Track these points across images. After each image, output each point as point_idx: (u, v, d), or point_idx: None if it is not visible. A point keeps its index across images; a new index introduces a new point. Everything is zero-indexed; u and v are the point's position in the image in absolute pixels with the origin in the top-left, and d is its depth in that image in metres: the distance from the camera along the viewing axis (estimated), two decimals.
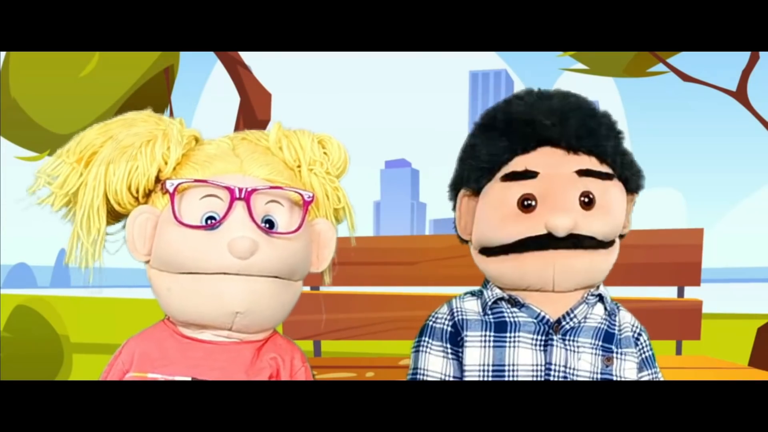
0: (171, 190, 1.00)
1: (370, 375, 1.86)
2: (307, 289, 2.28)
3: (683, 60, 3.69)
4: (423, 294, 2.24)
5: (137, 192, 1.03)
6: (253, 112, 3.35)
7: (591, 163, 1.07)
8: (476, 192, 1.12)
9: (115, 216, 1.07)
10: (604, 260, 1.08)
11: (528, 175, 1.06)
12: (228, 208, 0.99)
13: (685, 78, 3.60)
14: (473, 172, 1.12)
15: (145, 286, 1.09)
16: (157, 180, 1.04)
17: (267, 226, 1.01)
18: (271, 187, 1.03)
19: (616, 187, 1.09)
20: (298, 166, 1.09)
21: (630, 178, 1.12)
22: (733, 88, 3.49)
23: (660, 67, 3.58)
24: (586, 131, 1.07)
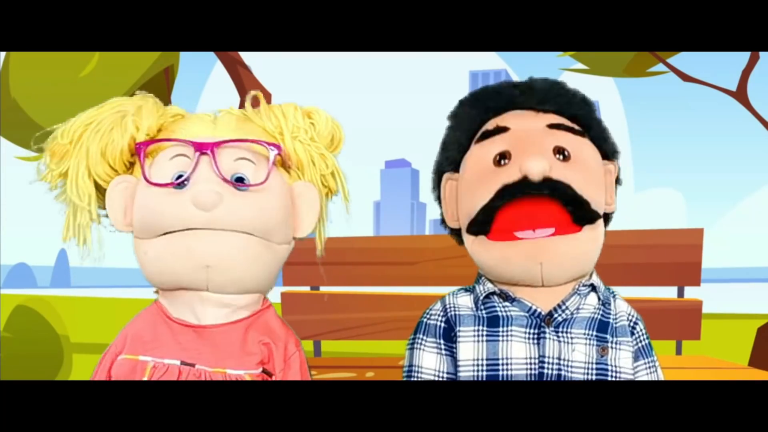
0: (140, 153, 1.03)
1: (370, 375, 1.86)
2: (307, 289, 2.28)
3: (683, 60, 3.69)
4: (423, 294, 2.24)
5: (114, 163, 1.05)
6: None
7: (561, 120, 1.08)
8: (457, 170, 1.12)
9: (104, 192, 1.09)
10: (592, 243, 1.06)
11: (499, 130, 1.07)
12: (195, 164, 1.00)
13: (685, 78, 3.60)
14: (449, 152, 1.13)
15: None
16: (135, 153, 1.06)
17: (237, 182, 1.02)
18: (234, 140, 1.04)
19: (589, 146, 1.09)
20: (280, 134, 1.09)
21: (603, 143, 1.12)
22: (733, 88, 3.49)
23: (660, 67, 3.58)
24: (553, 94, 1.09)
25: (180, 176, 1.00)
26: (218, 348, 1.03)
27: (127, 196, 1.05)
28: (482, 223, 1.05)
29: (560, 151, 1.05)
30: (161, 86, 3.27)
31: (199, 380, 1.01)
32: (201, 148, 1.00)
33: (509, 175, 1.02)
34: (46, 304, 3.79)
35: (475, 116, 1.12)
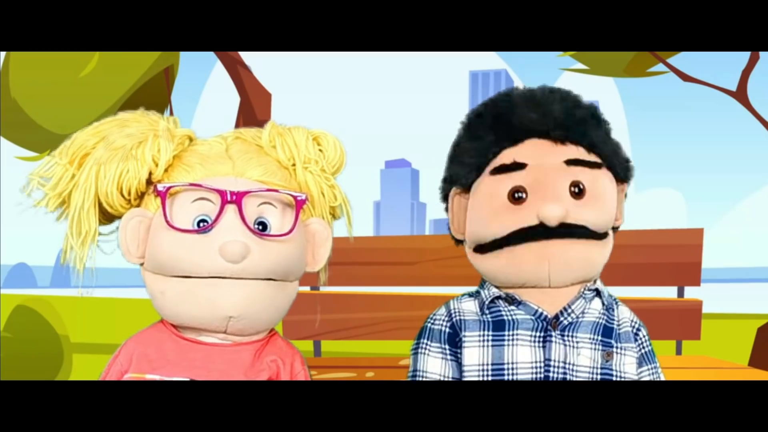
0: (161, 194, 1.00)
1: (370, 375, 1.86)
2: (306, 289, 2.28)
3: (683, 60, 3.69)
4: (423, 294, 2.24)
5: (128, 194, 1.02)
6: (253, 112, 3.35)
7: (579, 152, 1.08)
8: (467, 189, 1.12)
9: (109, 217, 1.07)
10: (599, 252, 1.08)
11: (516, 167, 1.07)
12: (219, 211, 0.98)
13: (685, 78, 3.60)
14: (462, 169, 1.12)
15: (144, 286, 1.08)
16: (149, 182, 1.03)
17: (260, 228, 1.01)
18: (263, 190, 1.02)
19: (605, 176, 1.09)
20: (293, 165, 1.08)
21: (618, 167, 1.12)
22: (733, 88, 3.49)
23: (660, 67, 3.58)
24: (572, 121, 1.08)
25: (203, 221, 0.99)
26: (229, 365, 1.03)
27: (142, 230, 1.03)
28: (492, 250, 1.07)
29: (576, 185, 1.06)
30: (161, 86, 3.27)
31: (199, 380, 1.00)
32: (230, 197, 0.99)
33: (525, 217, 1.04)
34: (46, 304, 3.79)
35: (492, 144, 1.10)
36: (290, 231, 1.02)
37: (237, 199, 0.99)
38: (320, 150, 1.10)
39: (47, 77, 3.07)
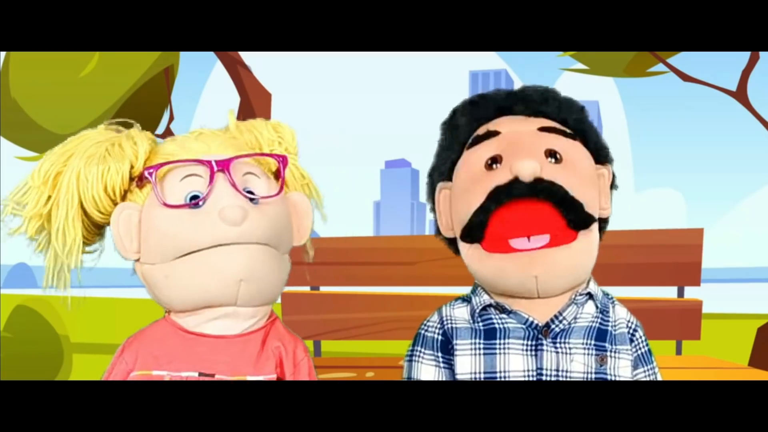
0: (151, 177, 1.02)
1: (370, 375, 1.86)
2: (307, 289, 2.28)
3: (683, 60, 3.69)
4: (423, 294, 2.24)
5: (114, 194, 1.03)
6: (253, 112, 3.35)
7: (553, 123, 1.08)
8: (450, 178, 1.12)
9: (93, 232, 1.07)
10: (585, 252, 1.05)
11: (490, 134, 1.07)
12: (210, 181, 1.01)
13: (685, 78, 3.60)
14: (442, 159, 1.13)
15: (143, 285, 1.08)
16: (131, 179, 1.04)
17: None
18: (246, 155, 1.06)
19: (581, 148, 1.09)
20: (260, 148, 1.13)
21: (596, 147, 1.11)
22: (733, 88, 3.49)
23: (660, 67, 3.58)
24: (544, 99, 1.10)
25: (195, 196, 1.01)
26: (237, 356, 1.03)
27: (133, 223, 1.03)
28: (476, 229, 1.04)
29: (552, 154, 1.04)
30: (161, 86, 3.27)
31: (199, 380, 1.00)
32: (218, 165, 1.01)
33: (500, 177, 1.02)
34: (46, 304, 3.79)
35: (466, 124, 1.12)
36: (279, 192, 1.06)
37: (225, 165, 1.01)
38: (279, 136, 1.15)
39: (47, 77, 3.08)
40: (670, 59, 3.53)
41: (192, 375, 1.01)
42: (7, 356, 3.32)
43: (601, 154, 1.12)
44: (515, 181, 1.00)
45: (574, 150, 1.07)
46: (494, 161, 1.05)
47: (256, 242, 1.00)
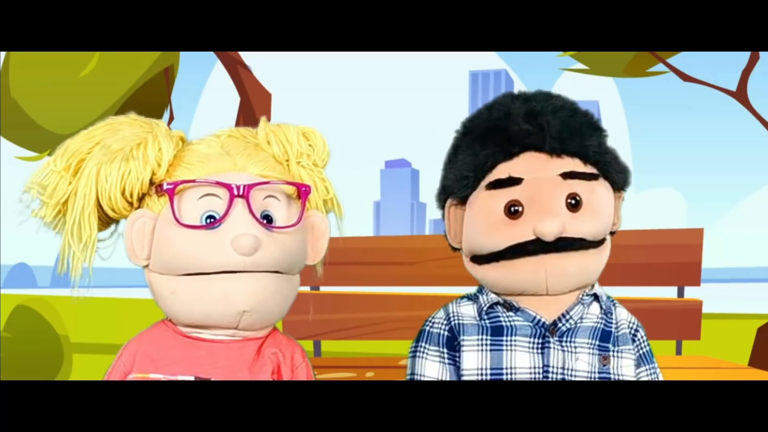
0: (169, 191, 1.00)
1: (370, 375, 1.86)
2: (307, 289, 2.28)
3: (683, 60, 3.68)
4: (423, 294, 2.24)
5: (131, 196, 1.02)
6: (253, 112, 3.35)
7: (575, 164, 1.07)
8: (462, 201, 1.12)
9: (106, 222, 1.06)
10: (596, 260, 1.08)
11: (512, 181, 1.06)
12: (228, 205, 0.99)
13: (685, 78, 3.60)
14: (457, 181, 1.11)
15: (145, 286, 1.08)
16: (151, 183, 1.03)
17: (266, 221, 1.02)
18: (269, 182, 1.03)
19: (602, 186, 1.09)
20: (287, 160, 1.10)
21: (615, 176, 1.11)
22: (733, 88, 3.49)
23: (660, 67, 3.58)
24: (567, 133, 1.07)
25: (211, 217, 0.99)
26: (234, 361, 1.03)
27: (147, 231, 1.02)
28: (490, 260, 1.07)
29: (572, 197, 1.05)
30: (161, 86, 3.27)
31: (198, 380, 1.00)
32: (238, 191, 0.99)
33: (522, 232, 1.03)
34: (46, 304, 3.79)
35: (487, 157, 1.09)
36: (297, 222, 1.04)
37: (245, 192, 0.99)
38: (310, 145, 1.12)
39: (47, 77, 3.07)
40: (670, 59, 3.53)
41: (188, 379, 1.01)
42: (7, 356, 3.32)
43: (619, 182, 1.12)
44: (537, 240, 1.02)
45: (594, 193, 1.07)
46: (514, 205, 1.05)
47: (266, 270, 0.99)
